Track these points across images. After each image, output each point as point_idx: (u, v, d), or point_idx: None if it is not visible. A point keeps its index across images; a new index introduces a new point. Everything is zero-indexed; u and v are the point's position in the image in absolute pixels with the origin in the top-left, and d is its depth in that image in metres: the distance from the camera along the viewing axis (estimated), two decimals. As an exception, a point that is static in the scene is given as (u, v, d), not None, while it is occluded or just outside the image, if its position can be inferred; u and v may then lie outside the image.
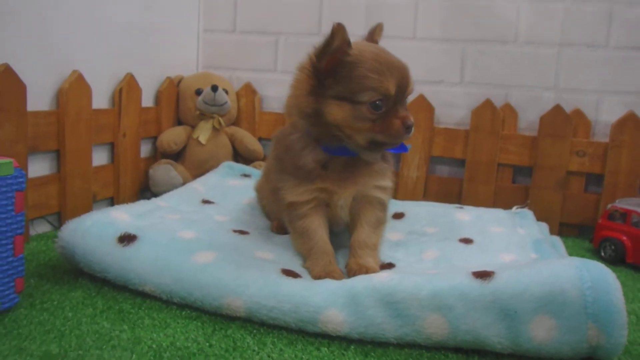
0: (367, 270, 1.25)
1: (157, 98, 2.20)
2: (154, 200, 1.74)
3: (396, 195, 2.15)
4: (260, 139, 2.37)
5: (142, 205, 1.63)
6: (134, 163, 2.06)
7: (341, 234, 1.52)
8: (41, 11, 1.63)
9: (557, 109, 2.01)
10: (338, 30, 1.17)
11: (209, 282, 1.18)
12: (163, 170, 2.09)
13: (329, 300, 1.10)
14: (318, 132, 1.29)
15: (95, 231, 1.32)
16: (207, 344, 1.05)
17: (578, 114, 2.04)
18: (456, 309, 1.04)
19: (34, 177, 1.62)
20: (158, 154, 2.21)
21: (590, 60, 2.04)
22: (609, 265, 1.52)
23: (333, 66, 1.21)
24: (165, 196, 1.82)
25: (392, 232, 1.65)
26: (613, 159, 1.97)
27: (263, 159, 2.31)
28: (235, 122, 2.37)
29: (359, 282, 1.13)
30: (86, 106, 1.78)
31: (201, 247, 1.31)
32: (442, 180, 2.20)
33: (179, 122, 2.30)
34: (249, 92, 2.39)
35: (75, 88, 1.72)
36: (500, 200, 2.09)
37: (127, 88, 1.97)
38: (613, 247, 1.73)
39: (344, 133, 1.26)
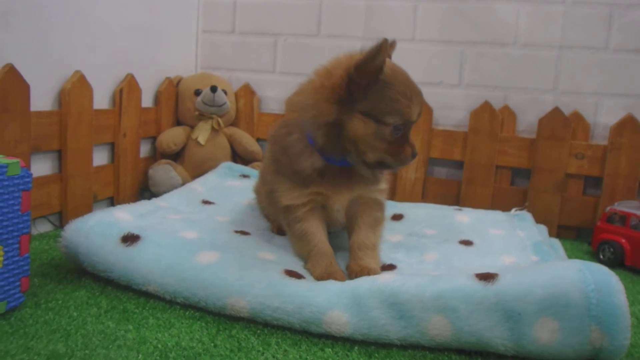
0: (368, 272, 1.25)
1: (157, 98, 2.21)
2: (154, 200, 1.74)
3: (394, 196, 2.17)
4: (258, 140, 2.38)
5: (144, 206, 1.62)
6: (134, 163, 2.06)
7: (339, 235, 1.53)
8: (44, 13, 1.64)
9: (556, 112, 2.02)
10: (384, 47, 1.14)
11: (213, 282, 1.18)
12: (163, 171, 2.09)
13: (332, 301, 1.11)
14: (326, 141, 1.26)
15: (98, 231, 1.32)
16: (212, 344, 1.05)
17: (577, 116, 2.05)
18: (460, 311, 1.05)
19: (36, 177, 1.61)
20: (157, 154, 2.22)
21: (590, 63, 2.05)
22: (608, 268, 1.53)
23: (368, 82, 1.19)
24: (165, 196, 1.82)
25: (392, 233, 1.66)
26: (612, 161, 1.98)
27: (261, 160, 2.31)
28: (234, 123, 2.37)
29: (363, 283, 1.14)
30: (88, 106, 1.78)
31: (204, 248, 1.31)
32: (440, 182, 2.20)
33: (178, 122, 2.30)
34: (247, 92, 2.39)
35: (77, 88, 1.73)
36: (499, 203, 2.10)
37: (128, 88, 1.97)
38: (612, 249, 1.74)
39: (357, 148, 1.24)
